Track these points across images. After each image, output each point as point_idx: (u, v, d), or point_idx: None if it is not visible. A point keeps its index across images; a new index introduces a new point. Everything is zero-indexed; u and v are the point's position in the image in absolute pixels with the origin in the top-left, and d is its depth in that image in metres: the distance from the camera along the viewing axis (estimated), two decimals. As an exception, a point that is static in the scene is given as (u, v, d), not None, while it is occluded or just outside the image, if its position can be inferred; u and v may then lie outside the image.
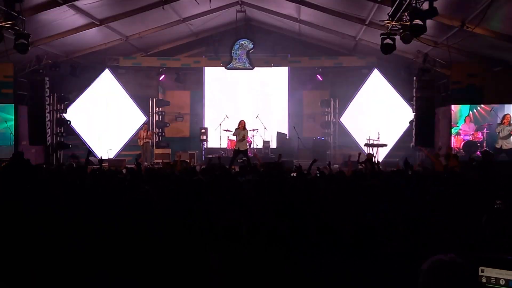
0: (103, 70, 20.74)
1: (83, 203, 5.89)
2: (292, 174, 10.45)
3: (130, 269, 3.47)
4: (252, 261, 3.74)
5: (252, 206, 5.87)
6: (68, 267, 3.76)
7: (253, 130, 20.52)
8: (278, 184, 7.74)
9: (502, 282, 1.94)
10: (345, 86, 21.49)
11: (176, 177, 8.96)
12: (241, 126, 16.92)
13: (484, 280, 1.96)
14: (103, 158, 16.49)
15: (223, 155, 19.84)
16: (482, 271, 1.96)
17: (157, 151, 20.68)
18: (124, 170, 11.76)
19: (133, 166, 14.42)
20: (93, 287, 3.60)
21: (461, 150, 16.84)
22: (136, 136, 20.45)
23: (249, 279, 3.56)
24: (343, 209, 5.68)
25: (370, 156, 14.63)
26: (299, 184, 8.15)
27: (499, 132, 16.29)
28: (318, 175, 10.15)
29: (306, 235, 4.51)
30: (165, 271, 2.52)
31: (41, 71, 17.82)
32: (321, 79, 21.49)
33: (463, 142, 17.06)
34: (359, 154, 12.88)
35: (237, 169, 12.57)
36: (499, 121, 16.49)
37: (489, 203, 5.33)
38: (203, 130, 21.33)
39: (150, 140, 20.02)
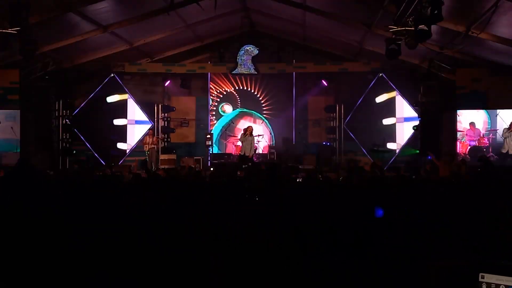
0: (108, 76, 20.76)
1: (87, 207, 5.92)
2: (297, 180, 10.45)
3: (131, 270, 3.49)
4: (253, 263, 3.75)
5: (254, 210, 5.88)
6: (70, 271, 3.78)
7: (259, 135, 20.55)
8: (280, 187, 7.76)
9: (502, 288, 1.94)
10: (350, 92, 21.48)
11: (183, 181, 9.01)
12: (249, 132, 16.98)
13: (484, 286, 1.95)
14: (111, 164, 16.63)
15: (229, 160, 19.89)
16: (482, 277, 1.95)
17: (162, 156, 20.67)
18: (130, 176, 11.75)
19: (139, 172, 14.46)
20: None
21: (467, 156, 16.82)
22: (141, 142, 20.46)
23: (250, 281, 3.57)
24: (345, 211, 5.68)
25: (378, 162, 14.68)
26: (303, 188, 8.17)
27: (506, 138, 16.22)
28: (320, 179, 10.17)
29: (307, 237, 4.51)
30: (166, 273, 2.54)
31: (47, 77, 17.86)
32: (326, 84, 21.50)
33: (469, 148, 17.04)
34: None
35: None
36: (505, 126, 16.43)
37: (487, 208, 5.32)
38: (208, 136, 21.31)
39: (155, 146, 20.00)
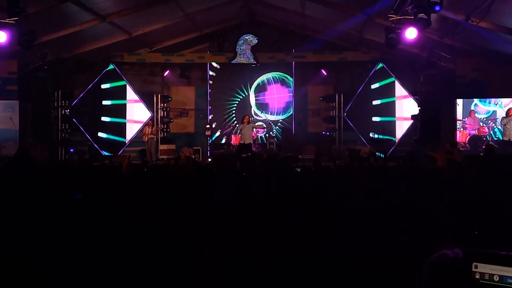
0: (107, 66, 20.71)
1: (87, 198, 5.90)
2: (297, 169, 10.46)
3: (124, 265, 3.47)
4: (249, 256, 3.73)
5: (254, 200, 5.86)
6: (67, 265, 3.76)
7: (264, 128, 20.64)
8: (280, 176, 7.76)
9: (496, 278, 1.91)
10: (350, 81, 21.43)
11: (181, 171, 9.01)
12: (246, 121, 16.96)
13: (477, 276, 1.93)
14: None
15: (228, 150, 19.87)
16: (476, 267, 1.93)
17: (162, 147, 20.70)
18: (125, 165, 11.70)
19: (138, 162, 14.46)
20: (86, 284, 3.59)
21: (467, 145, 16.79)
22: (141, 132, 20.44)
23: (246, 276, 3.55)
24: (345, 202, 5.66)
25: (372, 151, 14.69)
26: (303, 177, 8.18)
27: (504, 124, 16.16)
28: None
29: (305, 229, 4.49)
30: (159, 266, 2.52)
31: (45, 67, 17.78)
32: (325, 74, 21.45)
33: (468, 137, 17.00)
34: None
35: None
36: (504, 114, 16.38)
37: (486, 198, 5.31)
38: (207, 126, 21.29)
39: (155, 136, 19.99)
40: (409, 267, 3.27)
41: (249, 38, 20.52)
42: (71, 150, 19.10)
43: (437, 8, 10.76)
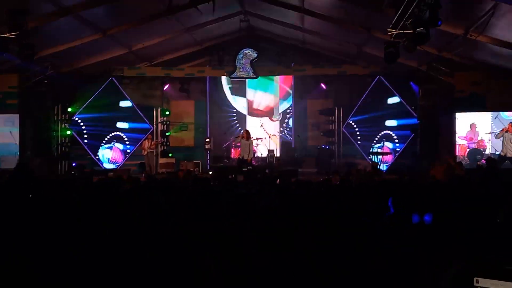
0: (107, 80, 20.75)
1: (85, 213, 5.89)
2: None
3: (127, 273, 3.46)
4: (251, 266, 3.72)
5: (256, 214, 5.85)
6: (68, 271, 3.75)
7: (258, 139, 20.54)
8: (284, 192, 7.75)
9: (498, 293, 1.92)
10: (349, 95, 21.49)
11: (182, 185, 9.01)
12: (245, 135, 16.94)
13: (479, 291, 1.93)
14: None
15: (228, 164, 19.85)
16: (477, 281, 1.93)
17: (161, 160, 20.71)
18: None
19: (138, 176, 14.45)
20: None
21: (466, 158, 16.79)
22: (140, 146, 20.44)
23: (248, 285, 3.54)
24: (349, 213, 5.65)
25: (375, 164, 14.68)
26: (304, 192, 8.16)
27: (503, 139, 16.19)
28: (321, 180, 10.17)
29: (309, 240, 4.48)
30: (162, 275, 2.52)
31: (45, 81, 17.82)
32: (325, 87, 21.51)
33: (467, 150, 17.00)
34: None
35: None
36: (501, 128, 16.42)
37: (491, 210, 5.29)
38: (207, 140, 21.31)
39: (154, 150, 20.00)
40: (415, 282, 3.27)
41: (249, 52, 20.56)
42: (74, 164, 19.09)
43: (439, 22, 10.80)
